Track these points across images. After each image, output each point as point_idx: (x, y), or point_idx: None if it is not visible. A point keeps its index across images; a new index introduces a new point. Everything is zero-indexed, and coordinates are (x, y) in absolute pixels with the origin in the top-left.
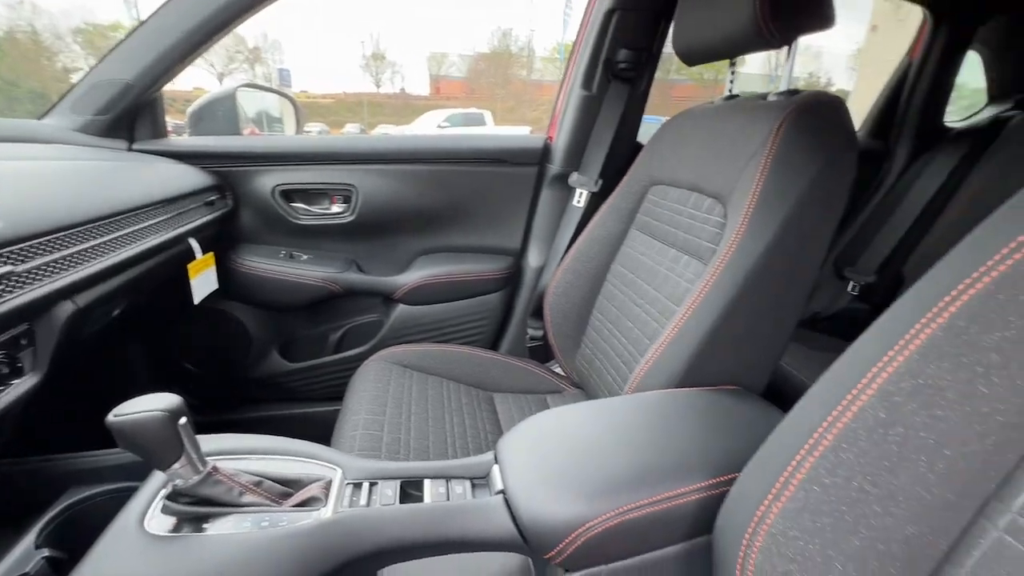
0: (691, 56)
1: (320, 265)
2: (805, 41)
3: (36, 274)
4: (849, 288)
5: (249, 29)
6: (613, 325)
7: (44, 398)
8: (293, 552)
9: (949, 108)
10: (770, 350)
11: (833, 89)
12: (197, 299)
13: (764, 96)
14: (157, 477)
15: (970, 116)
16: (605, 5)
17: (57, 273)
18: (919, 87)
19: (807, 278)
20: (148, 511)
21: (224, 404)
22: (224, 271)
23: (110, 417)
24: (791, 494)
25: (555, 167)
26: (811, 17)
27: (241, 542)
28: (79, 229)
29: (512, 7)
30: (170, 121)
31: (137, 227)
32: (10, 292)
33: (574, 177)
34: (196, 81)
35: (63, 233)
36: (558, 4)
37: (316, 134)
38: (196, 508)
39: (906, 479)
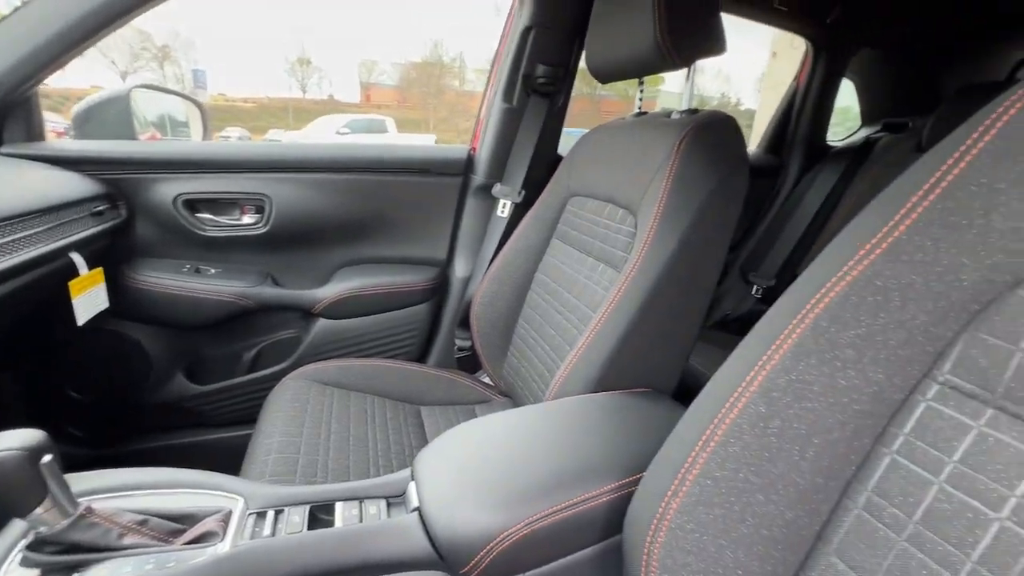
0: (602, 74)
1: (230, 279)
2: (717, 65)
3: None
4: (754, 291)
5: (157, 24)
6: (537, 333)
7: None
8: None
9: (838, 129)
10: (678, 352)
11: (741, 108)
12: (81, 320)
13: (669, 114)
14: (15, 526)
15: (848, 136)
16: (522, 23)
17: None
18: (804, 109)
19: (709, 283)
20: (2, 568)
21: (121, 435)
22: (117, 288)
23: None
24: (687, 489)
25: (479, 178)
26: (706, 43)
27: None
28: None
29: (444, 19)
30: (61, 122)
31: (4, 240)
32: None
33: (497, 188)
34: (95, 79)
35: None
36: (489, 16)
37: (235, 140)
38: (65, 557)
39: (783, 467)
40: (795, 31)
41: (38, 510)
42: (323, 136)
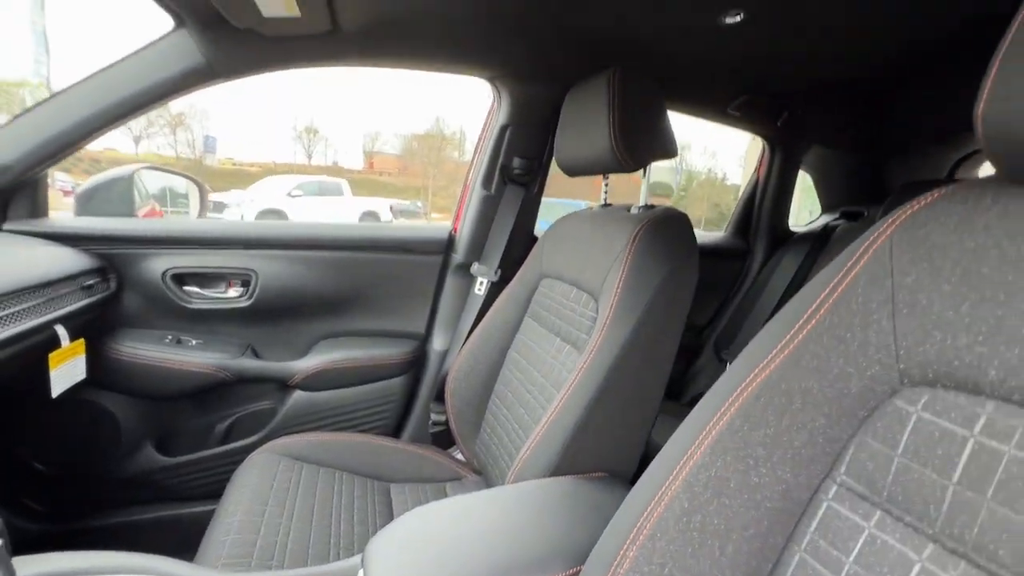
0: (569, 170)
1: (211, 351)
2: (704, 142)
3: None
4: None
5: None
6: (508, 411)
7: None
8: None
9: (813, 208)
10: (635, 436)
11: (728, 183)
12: (56, 392)
13: (629, 208)
14: None
15: (810, 223)
16: (500, 120)
17: None
18: (766, 199)
19: (663, 369)
20: None
21: (82, 509)
22: (96, 358)
23: None
24: None
25: (459, 256)
26: (657, 150)
27: None
28: None
29: (446, 96)
30: (70, 181)
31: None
32: None
33: (475, 267)
34: (109, 142)
35: None
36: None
37: (236, 199)
38: None
39: (706, 564)
40: (750, 131)
41: None
42: (271, 197)
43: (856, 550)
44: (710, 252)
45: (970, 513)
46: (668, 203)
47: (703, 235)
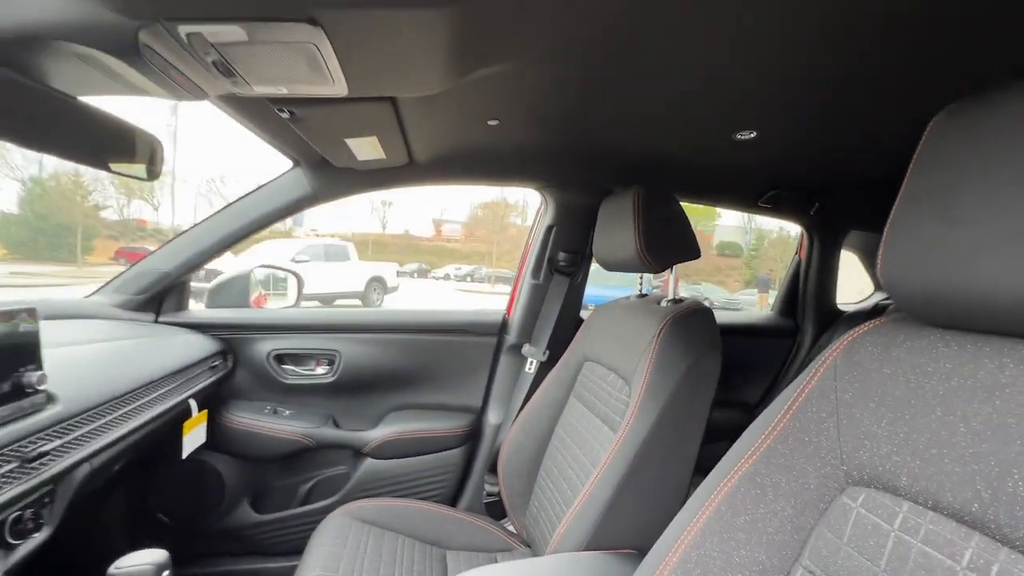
0: (606, 266)
1: (300, 420)
2: None
3: (71, 444)
4: None
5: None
6: (553, 484)
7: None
8: None
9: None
10: (663, 514)
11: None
12: (186, 453)
13: (659, 301)
14: None
15: (860, 301)
16: (547, 221)
17: (87, 441)
18: (809, 280)
19: (690, 452)
20: None
21: (191, 558)
22: (213, 425)
23: (111, 570)
24: None
25: (511, 338)
26: (679, 254)
27: None
28: (107, 404)
29: None
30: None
31: (153, 395)
32: (51, 461)
33: (526, 348)
34: (199, 217)
35: (96, 409)
36: None
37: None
38: None
39: None
40: (784, 219)
41: None
42: (274, 260)
43: None
44: (759, 331)
45: None
46: (739, 263)
47: (750, 315)
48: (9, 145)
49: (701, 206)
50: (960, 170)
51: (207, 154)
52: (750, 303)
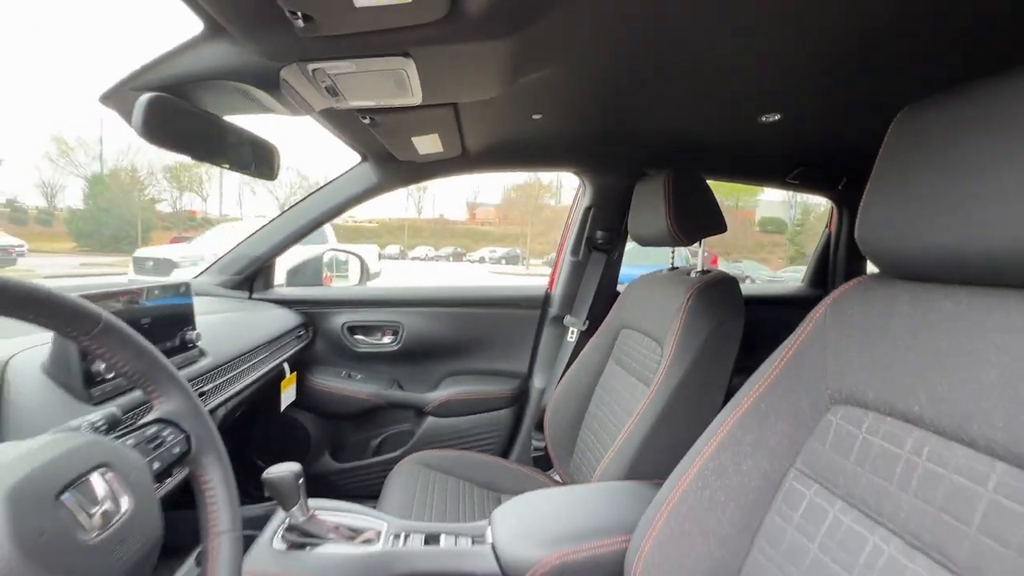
0: (640, 241)
1: (370, 383)
2: None
3: (214, 391)
4: None
5: (312, 169)
6: (594, 436)
7: None
8: (356, 569)
9: None
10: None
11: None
12: (282, 408)
13: (689, 272)
14: (278, 516)
15: None
16: (585, 202)
17: (223, 390)
18: (839, 251)
19: (715, 401)
20: (274, 537)
21: None
22: (299, 387)
23: (265, 474)
24: (656, 535)
25: (553, 310)
26: (706, 228)
27: (327, 558)
28: (234, 360)
29: None
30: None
31: (261, 356)
32: (206, 403)
33: (567, 319)
34: (260, 209)
35: (230, 363)
36: None
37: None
38: (301, 538)
39: (712, 522)
40: (813, 194)
41: (294, 509)
42: (225, 243)
43: (801, 510)
44: (790, 302)
45: (864, 481)
46: (783, 239)
47: (783, 287)
48: (73, 145)
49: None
50: (919, 154)
51: None
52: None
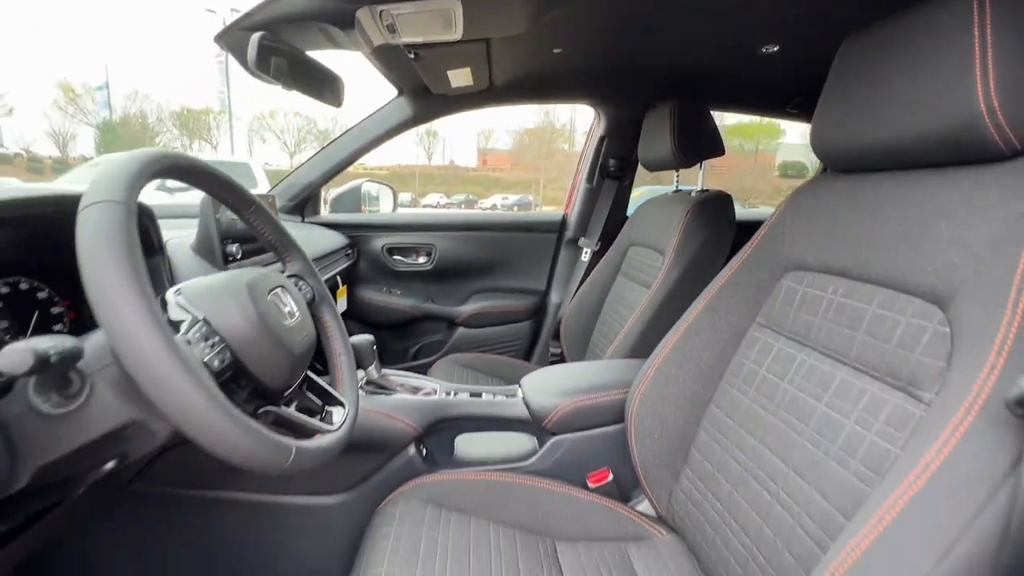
0: (647, 166)
1: (408, 298)
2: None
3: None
4: None
5: (322, 113)
6: (604, 338)
7: None
8: (417, 410)
9: None
10: None
11: None
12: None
13: (690, 192)
14: (359, 373)
15: None
16: (599, 132)
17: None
18: None
19: None
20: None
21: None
22: (348, 299)
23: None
24: (647, 382)
25: (569, 233)
26: (707, 151)
27: (400, 400)
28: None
29: None
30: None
31: (321, 267)
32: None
33: (582, 240)
34: (269, 157)
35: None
36: None
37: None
38: (377, 390)
39: (692, 364)
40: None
41: (370, 368)
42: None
43: (757, 348)
44: None
45: (801, 320)
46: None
47: None
48: (80, 92)
49: (763, 125)
50: (858, 74)
51: (252, 89)
52: None
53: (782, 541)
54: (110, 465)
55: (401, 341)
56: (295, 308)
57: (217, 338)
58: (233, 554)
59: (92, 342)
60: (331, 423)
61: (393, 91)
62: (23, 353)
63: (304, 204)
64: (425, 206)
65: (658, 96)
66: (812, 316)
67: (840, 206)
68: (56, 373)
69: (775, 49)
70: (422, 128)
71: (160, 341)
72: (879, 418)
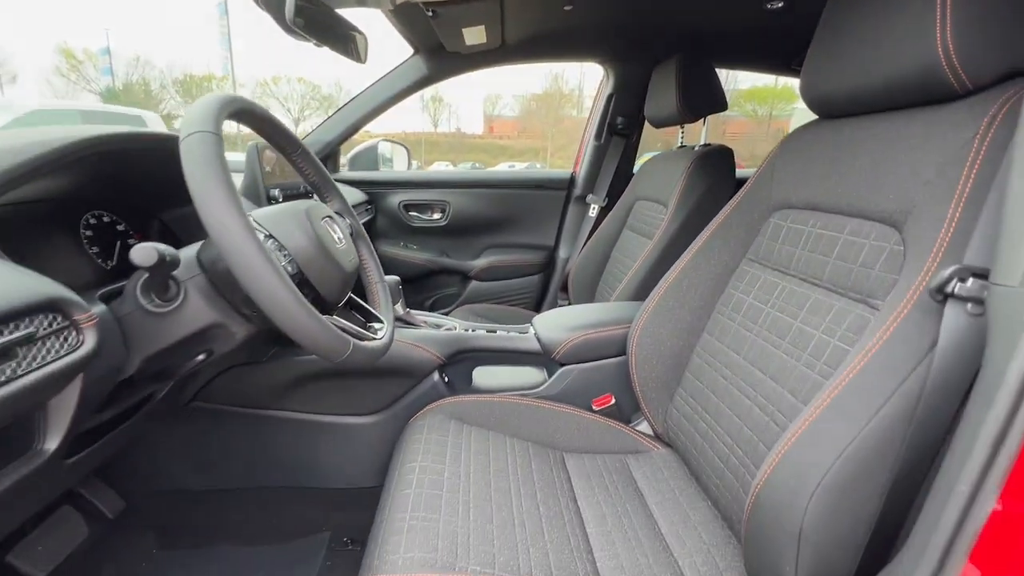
0: (654, 122)
1: (424, 252)
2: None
3: None
4: None
5: (325, 77)
6: (609, 289)
7: None
8: (441, 341)
9: None
10: None
11: None
12: None
13: (694, 147)
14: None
15: None
16: (607, 91)
17: None
18: None
19: None
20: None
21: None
22: None
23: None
24: (647, 315)
25: (577, 190)
26: (711, 104)
27: (424, 333)
28: None
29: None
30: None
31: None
32: None
33: (589, 197)
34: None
35: None
36: None
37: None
38: (404, 326)
39: (688, 298)
40: None
41: (396, 305)
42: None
43: (745, 281)
44: None
45: (784, 252)
46: None
47: None
48: (82, 59)
49: (778, 89)
50: (843, 26)
51: (256, 55)
52: None
53: (757, 436)
54: (200, 357)
55: (417, 294)
56: (342, 235)
57: (285, 251)
58: (279, 462)
59: (184, 254)
60: (375, 335)
61: (396, 55)
62: (150, 250)
63: (324, 162)
64: None
65: (665, 53)
66: (794, 248)
67: (822, 149)
68: (160, 276)
69: (779, 5)
70: (427, 95)
71: (255, 245)
72: (842, 327)
